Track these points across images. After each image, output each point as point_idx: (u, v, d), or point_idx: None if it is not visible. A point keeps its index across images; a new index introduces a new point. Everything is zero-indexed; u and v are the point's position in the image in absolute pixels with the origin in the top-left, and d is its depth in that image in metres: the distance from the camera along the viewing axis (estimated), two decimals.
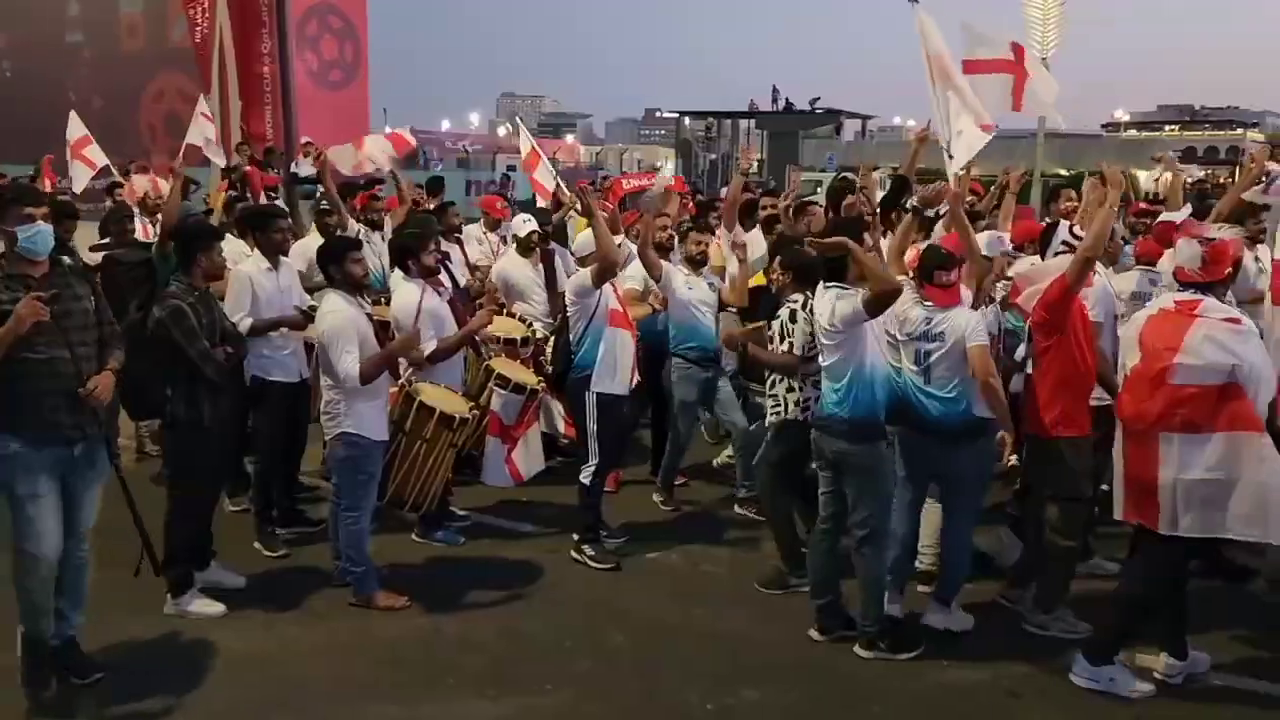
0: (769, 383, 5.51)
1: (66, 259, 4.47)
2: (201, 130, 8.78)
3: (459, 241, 8.13)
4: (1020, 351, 5.35)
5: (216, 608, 5.08)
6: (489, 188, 29.96)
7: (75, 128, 10.32)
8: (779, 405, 5.40)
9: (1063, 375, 4.82)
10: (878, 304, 4.49)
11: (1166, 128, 79.60)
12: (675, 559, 6.00)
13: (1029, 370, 5.05)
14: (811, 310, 5.01)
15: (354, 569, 5.24)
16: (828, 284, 4.73)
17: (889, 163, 11.91)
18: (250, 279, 5.68)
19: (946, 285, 4.85)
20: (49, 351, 4.03)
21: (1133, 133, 67.97)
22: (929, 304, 4.86)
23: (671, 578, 5.76)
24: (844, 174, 11.33)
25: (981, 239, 5.73)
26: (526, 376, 6.26)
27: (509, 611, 5.27)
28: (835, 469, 4.81)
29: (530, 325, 7.05)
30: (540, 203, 9.57)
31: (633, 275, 6.73)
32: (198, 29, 15.92)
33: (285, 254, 5.98)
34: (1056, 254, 5.52)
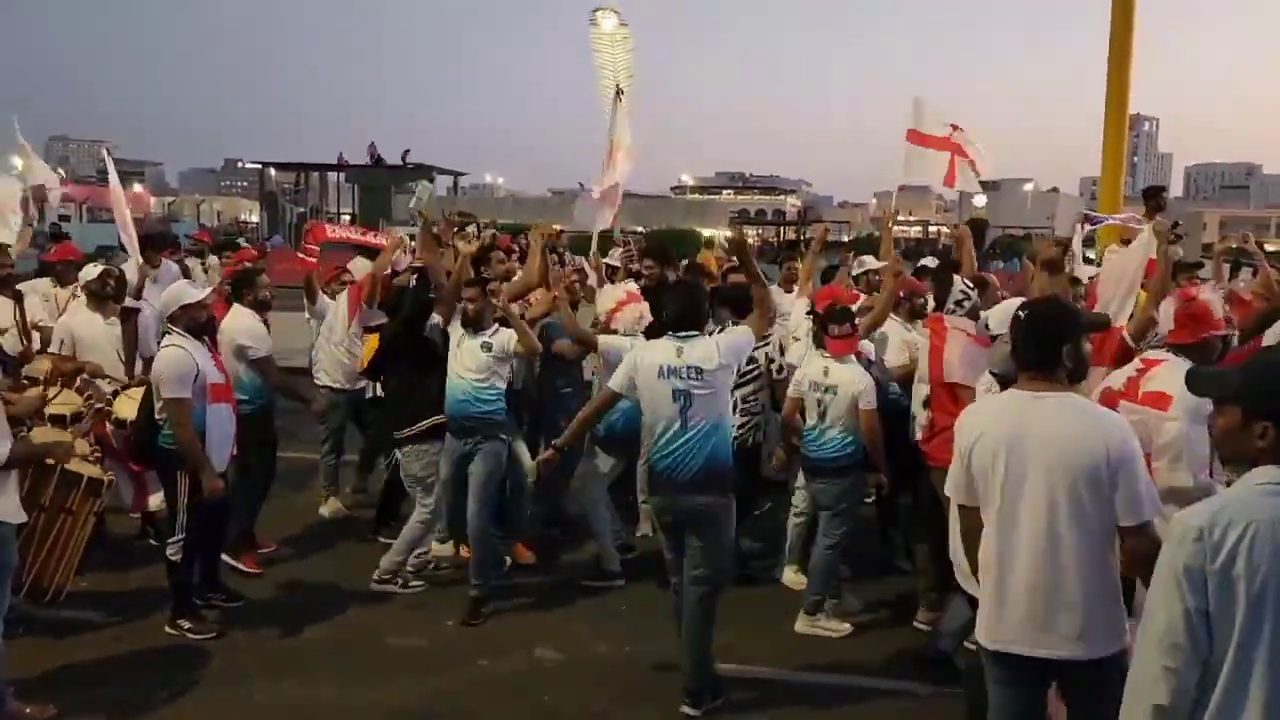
0: None
1: None
2: None
3: (16, 297, 7.14)
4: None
5: None
6: (39, 239, 26.54)
7: None
8: None
9: None
10: None
11: (724, 192, 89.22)
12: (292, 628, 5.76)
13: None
14: None
15: None
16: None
17: (483, 217, 12.31)
18: None
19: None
20: None
21: (696, 195, 75.42)
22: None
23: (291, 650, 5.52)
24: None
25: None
26: (81, 466, 5.36)
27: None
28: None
29: (89, 397, 6.22)
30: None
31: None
32: None
33: None
34: (956, 302, 5.67)
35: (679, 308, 4.86)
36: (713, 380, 4.66)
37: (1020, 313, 3.32)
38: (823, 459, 5.70)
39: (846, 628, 5.67)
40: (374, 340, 6.66)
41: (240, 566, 6.39)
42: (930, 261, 7.82)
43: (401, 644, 5.44)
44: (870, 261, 7.87)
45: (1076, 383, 3.30)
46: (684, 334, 4.75)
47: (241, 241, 14.01)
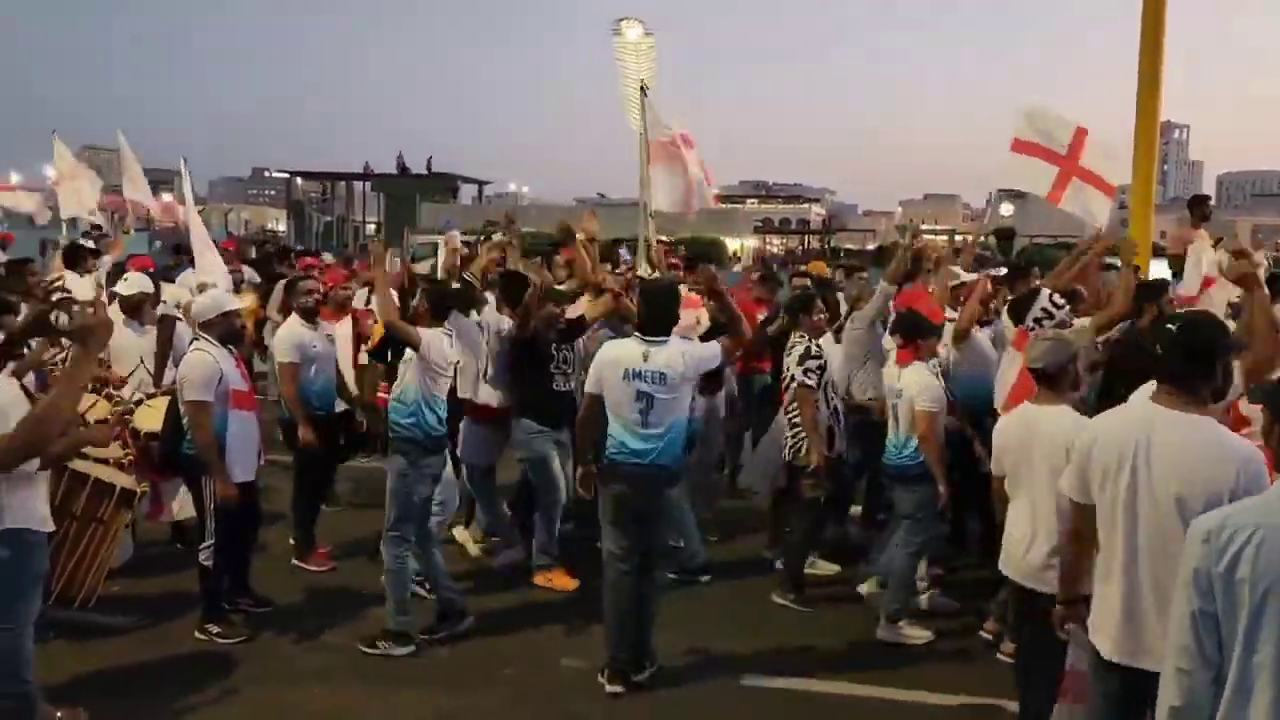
0: None
1: None
2: None
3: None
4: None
5: None
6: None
7: None
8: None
9: None
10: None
11: (748, 201, 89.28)
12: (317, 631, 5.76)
13: None
14: None
15: (12, 692, 3.98)
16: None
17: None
18: None
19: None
20: None
21: (720, 205, 75.48)
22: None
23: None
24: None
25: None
26: (115, 476, 5.31)
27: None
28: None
29: (116, 402, 6.17)
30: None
31: None
32: None
33: None
34: (1036, 320, 5.48)
35: (650, 312, 4.94)
36: (675, 386, 4.78)
37: (1172, 325, 3.16)
38: (901, 466, 5.66)
39: (928, 634, 5.59)
40: (379, 327, 6.62)
41: (309, 567, 6.53)
42: (991, 273, 7.64)
43: (429, 652, 5.44)
44: (960, 273, 7.31)
45: (1217, 401, 3.17)
46: (653, 338, 4.82)
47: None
